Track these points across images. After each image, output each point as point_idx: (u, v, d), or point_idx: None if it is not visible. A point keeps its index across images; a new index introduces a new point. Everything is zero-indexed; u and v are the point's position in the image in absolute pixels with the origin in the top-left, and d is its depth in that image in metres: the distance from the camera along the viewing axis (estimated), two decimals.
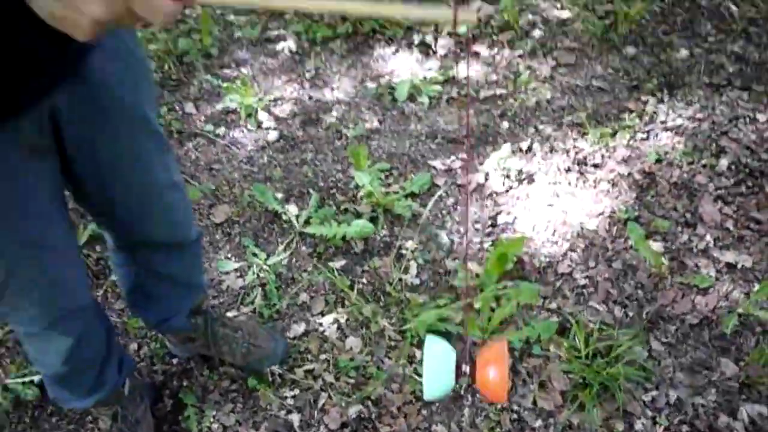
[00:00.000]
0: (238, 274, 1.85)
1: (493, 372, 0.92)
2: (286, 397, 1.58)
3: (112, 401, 1.45)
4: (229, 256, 1.89)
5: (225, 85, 2.36)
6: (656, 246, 1.77)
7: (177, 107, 2.33)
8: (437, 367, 0.94)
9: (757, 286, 1.64)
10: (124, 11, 0.57)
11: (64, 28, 0.60)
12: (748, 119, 2.10)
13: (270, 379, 1.60)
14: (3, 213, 0.94)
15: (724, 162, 1.96)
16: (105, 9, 0.57)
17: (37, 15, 0.64)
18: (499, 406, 1.52)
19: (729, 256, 1.74)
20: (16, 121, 0.84)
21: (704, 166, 1.96)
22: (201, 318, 1.55)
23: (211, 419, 1.55)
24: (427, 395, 0.96)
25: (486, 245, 1.82)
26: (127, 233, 1.27)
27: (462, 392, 1.54)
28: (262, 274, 1.82)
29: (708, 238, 1.79)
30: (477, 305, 1.66)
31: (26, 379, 1.66)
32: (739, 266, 1.72)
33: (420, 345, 1.63)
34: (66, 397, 1.40)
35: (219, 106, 2.34)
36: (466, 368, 0.94)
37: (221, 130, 2.25)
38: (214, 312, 1.62)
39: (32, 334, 1.18)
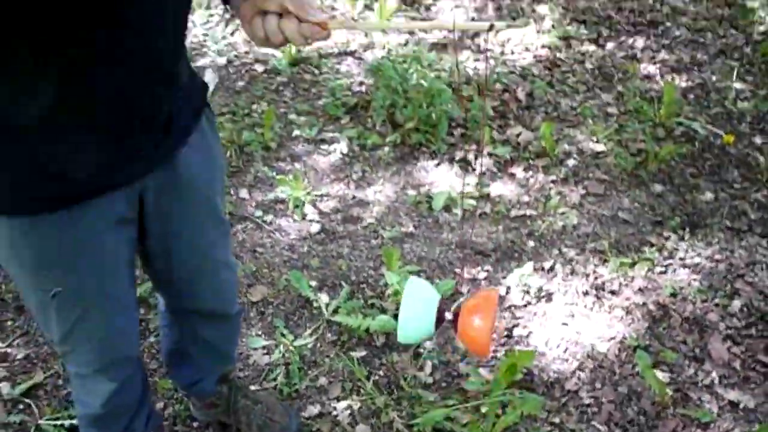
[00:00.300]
0: (265, 351, 1.98)
1: (478, 321, 0.88)
2: None
3: None
4: (260, 333, 2.03)
5: (279, 177, 2.58)
6: (662, 376, 1.85)
7: (232, 192, 2.55)
8: (417, 308, 0.90)
9: (757, 427, 1.70)
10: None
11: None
12: (765, 265, 2.19)
13: None
14: (86, 270, 1.12)
15: (737, 303, 2.05)
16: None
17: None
18: None
19: (733, 395, 1.80)
20: (112, 195, 1.03)
21: (717, 305, 2.06)
22: (226, 386, 1.69)
23: None
24: (401, 338, 0.92)
25: (499, 354, 1.92)
26: (180, 300, 1.43)
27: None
28: (287, 354, 1.95)
29: (714, 374, 1.86)
30: (483, 409, 1.74)
31: (59, 422, 1.80)
32: (741, 406, 1.78)
33: None
34: None
35: (270, 195, 2.55)
36: (449, 315, 0.92)
37: (269, 217, 2.45)
38: (239, 383, 1.75)
39: (83, 375, 1.32)
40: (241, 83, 3.21)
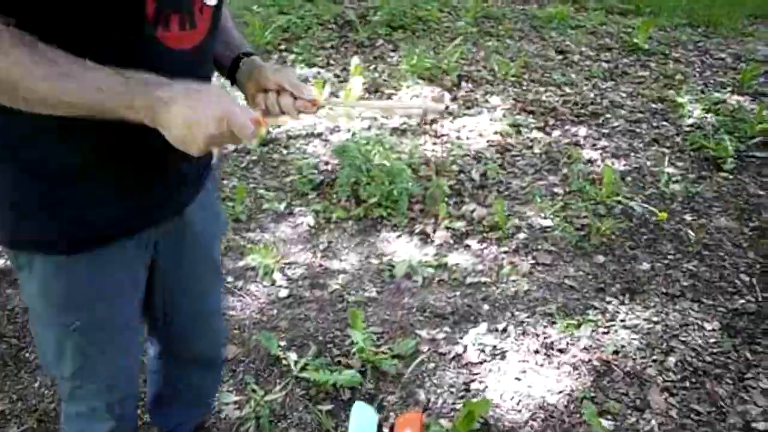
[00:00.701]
0: (237, 406, 2.07)
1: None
2: None
3: None
4: (231, 389, 2.13)
5: (249, 246, 2.73)
6: (607, 424, 2.00)
7: None
8: (361, 426, 1.15)
9: None
10: (227, 130, 0.94)
11: (184, 145, 0.95)
12: (696, 326, 2.41)
13: None
14: (106, 307, 1.24)
15: (672, 359, 2.25)
16: (216, 127, 0.93)
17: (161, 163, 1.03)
18: None
19: None
20: (134, 239, 1.18)
21: (655, 360, 2.25)
22: None
23: None
24: None
25: (458, 406, 2.05)
26: (175, 344, 1.55)
27: None
28: (257, 408, 2.05)
29: (653, 422, 2.02)
30: None
31: None
32: None
33: None
34: None
35: (240, 263, 2.69)
36: (386, 430, 1.16)
37: (240, 283, 2.58)
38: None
39: (85, 414, 1.38)
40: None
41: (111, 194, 1.13)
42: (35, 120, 0.97)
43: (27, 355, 2.27)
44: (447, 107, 1.12)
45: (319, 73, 4.32)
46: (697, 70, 4.66)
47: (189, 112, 0.93)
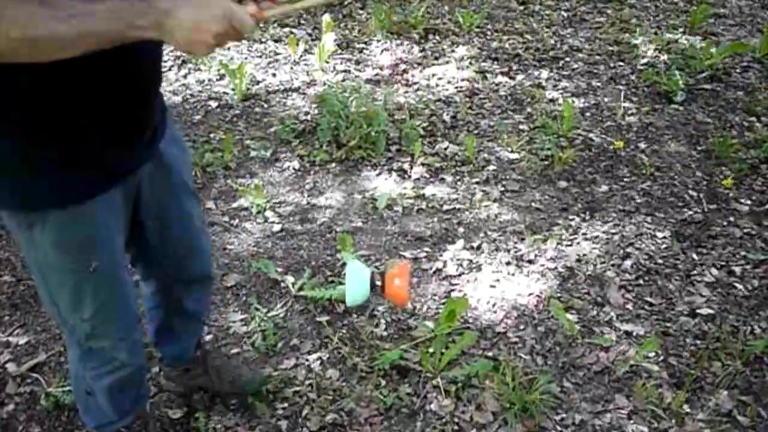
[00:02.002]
0: (243, 323, 2.31)
1: (398, 281, 1.35)
2: (277, 408, 1.99)
3: (141, 419, 1.81)
4: (236, 310, 2.37)
5: (241, 188, 2.95)
6: (572, 317, 2.28)
7: None
8: (356, 280, 1.36)
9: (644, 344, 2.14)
10: (230, 27, 1.05)
11: (192, 48, 1.07)
12: (649, 235, 2.69)
13: (265, 395, 2.02)
14: (114, 245, 1.41)
15: (628, 263, 2.53)
16: (220, 25, 1.04)
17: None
18: (444, 421, 1.94)
19: (627, 327, 2.25)
20: (123, 184, 1.37)
21: (613, 265, 2.53)
22: (200, 351, 1.98)
23: (216, 422, 1.95)
24: (349, 302, 1.39)
25: (440, 310, 2.31)
26: (172, 271, 1.70)
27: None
28: (262, 324, 2.29)
29: (612, 314, 2.31)
30: (431, 349, 2.13)
31: (66, 389, 2.07)
32: (634, 334, 2.23)
33: (385, 376, 2.08)
34: (109, 419, 1.72)
35: (234, 204, 2.91)
36: (377, 281, 1.38)
37: (235, 222, 2.80)
38: (208, 347, 2.05)
39: (105, 348, 1.54)
40: (197, 117, 3.58)
41: (113, 143, 1.31)
42: (33, 79, 1.11)
43: None
44: None
45: (292, 32, 4.48)
46: (651, 14, 4.91)
47: (192, 16, 1.03)
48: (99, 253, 1.38)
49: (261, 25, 1.13)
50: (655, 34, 4.52)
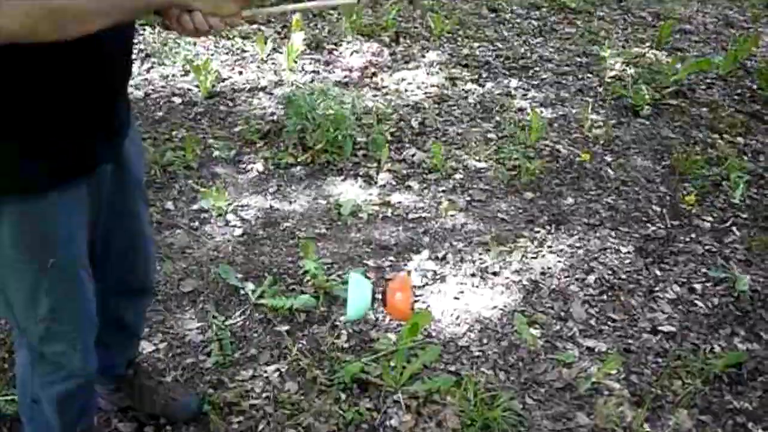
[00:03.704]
0: (199, 331, 2.24)
1: (399, 295, 1.32)
2: (232, 423, 1.93)
3: (89, 430, 1.71)
4: (193, 317, 2.29)
5: (202, 190, 2.87)
6: (535, 332, 2.26)
7: (158, 204, 2.80)
8: (358, 293, 1.33)
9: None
10: None
11: (219, 7, 1.09)
12: (613, 250, 2.69)
13: (220, 407, 1.95)
14: (75, 242, 1.34)
15: (592, 278, 2.52)
16: None
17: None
18: None
19: (589, 343, 2.24)
20: (87, 180, 1.32)
21: (577, 279, 2.52)
22: (132, 370, 1.88)
23: None
24: (350, 315, 1.36)
25: (403, 323, 2.27)
26: (111, 277, 1.59)
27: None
28: (219, 333, 2.22)
29: (575, 329, 2.30)
30: (392, 362, 2.08)
31: (8, 398, 1.97)
32: (596, 350, 2.22)
33: (345, 390, 2.03)
34: (54, 430, 1.60)
35: (194, 206, 2.82)
36: (379, 295, 1.35)
37: (195, 224, 2.72)
38: (142, 366, 1.95)
39: (59, 353, 1.44)
40: (159, 113, 3.49)
41: (77, 136, 1.26)
42: (4, 69, 1.08)
43: None
44: (359, 1, 1.24)
45: (260, 29, 4.40)
46: (620, 27, 4.96)
47: None
48: (59, 249, 1.33)
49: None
50: (623, 47, 4.56)
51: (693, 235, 2.81)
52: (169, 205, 2.82)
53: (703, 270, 2.62)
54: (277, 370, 2.10)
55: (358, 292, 1.32)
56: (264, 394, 2.01)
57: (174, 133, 3.32)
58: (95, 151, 1.33)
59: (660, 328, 2.33)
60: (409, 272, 1.60)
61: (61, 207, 1.30)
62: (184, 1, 1.08)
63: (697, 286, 2.54)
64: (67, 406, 1.58)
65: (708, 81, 4.13)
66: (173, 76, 3.84)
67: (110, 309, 1.66)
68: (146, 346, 2.13)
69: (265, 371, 2.09)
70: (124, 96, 1.42)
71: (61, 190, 1.28)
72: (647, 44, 4.61)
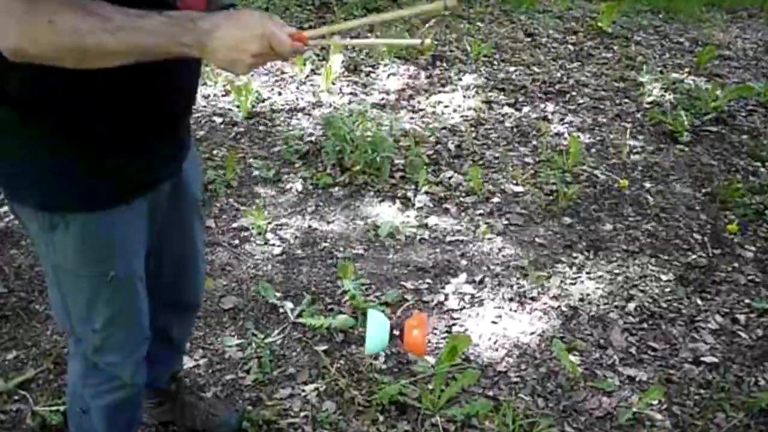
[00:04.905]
0: (239, 348, 2.26)
1: (416, 332, 1.35)
2: None
3: None
4: (233, 334, 2.31)
5: (243, 208, 2.91)
6: (574, 359, 2.24)
7: None
8: (376, 329, 1.37)
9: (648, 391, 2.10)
10: (268, 48, 1.09)
11: (232, 67, 1.11)
12: (653, 278, 2.66)
13: (259, 425, 1.96)
14: (133, 256, 1.38)
15: (632, 305, 2.50)
16: (259, 45, 1.08)
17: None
18: None
19: (630, 371, 2.21)
20: (148, 197, 1.36)
21: (616, 306, 2.49)
22: (175, 384, 1.90)
23: None
24: (368, 350, 1.41)
25: (441, 345, 2.27)
26: (162, 293, 1.64)
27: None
28: (258, 350, 2.24)
29: (615, 357, 2.27)
30: (431, 385, 2.08)
31: (53, 408, 2.01)
32: (637, 379, 2.19)
33: (383, 411, 2.03)
34: None
35: (235, 225, 2.86)
36: (396, 332, 1.38)
37: (235, 242, 2.76)
38: (184, 381, 1.97)
39: (112, 363, 1.48)
40: (201, 132, 3.55)
41: (142, 155, 1.30)
42: (72, 85, 1.13)
43: (37, 307, 2.42)
44: (422, 42, 1.25)
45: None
46: (657, 52, 4.93)
47: (232, 36, 1.08)
48: (118, 262, 1.36)
49: (304, 47, 1.16)
50: (661, 73, 4.53)
51: (735, 265, 2.77)
52: (210, 222, 2.86)
53: (746, 300, 2.58)
54: (316, 389, 2.11)
55: (376, 328, 1.39)
56: (302, 413, 2.02)
57: (215, 152, 3.37)
58: (160, 169, 1.37)
59: (702, 358, 2.29)
60: (426, 312, 1.65)
61: (122, 222, 1.34)
62: (201, 54, 1.10)
63: (740, 317, 2.49)
64: (116, 417, 1.60)
65: (749, 108, 4.08)
66: (214, 96, 3.91)
67: (158, 322, 1.68)
68: (187, 362, 2.16)
69: (304, 390, 2.10)
70: (188, 118, 1.46)
71: (123, 206, 1.32)
72: (686, 70, 4.58)
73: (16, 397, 2.07)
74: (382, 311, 2.38)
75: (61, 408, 1.98)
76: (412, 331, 1.33)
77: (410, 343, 1.36)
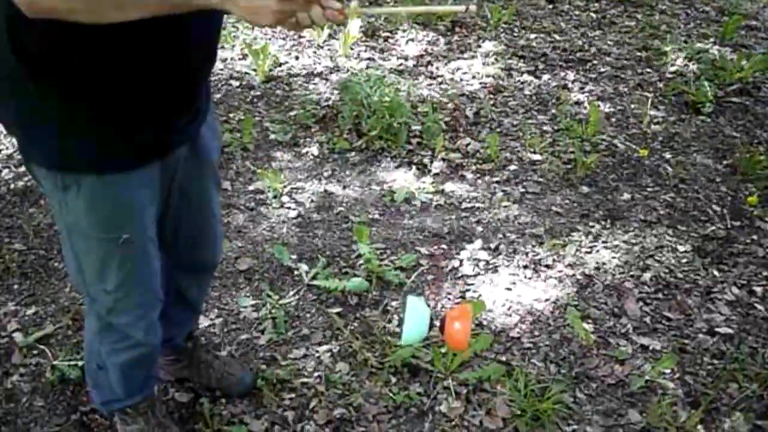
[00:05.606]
0: (254, 308, 2.28)
1: (458, 325, 1.30)
2: (284, 399, 1.96)
3: (149, 401, 1.74)
4: (248, 295, 2.33)
5: (258, 171, 2.91)
6: (588, 327, 2.24)
7: None
8: (415, 318, 1.33)
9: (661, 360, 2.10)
10: None
11: (256, 17, 1.05)
12: (670, 248, 2.64)
13: (274, 384, 1.99)
14: (145, 219, 1.38)
15: (647, 275, 2.48)
16: None
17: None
18: (453, 423, 1.91)
19: (644, 340, 2.21)
20: (162, 161, 1.35)
21: (632, 276, 2.48)
22: (191, 342, 1.92)
23: (222, 408, 1.92)
24: (405, 340, 1.34)
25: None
26: (181, 254, 1.66)
27: (425, 408, 1.94)
28: (273, 311, 2.26)
29: (629, 326, 2.26)
30: (443, 349, 2.09)
31: (72, 363, 2.04)
32: (650, 348, 2.18)
33: (396, 374, 2.05)
34: (117, 396, 1.67)
35: (251, 187, 2.87)
36: (437, 322, 1.35)
37: (251, 204, 2.77)
38: (201, 340, 2.00)
39: (126, 324, 1.50)
40: (217, 96, 3.54)
41: (156, 120, 1.29)
42: (88, 43, 1.11)
43: (56, 264, 2.45)
44: (467, 8, 1.18)
45: None
46: (682, 21, 4.83)
47: None
48: (130, 226, 1.37)
49: (343, 18, 1.10)
50: (685, 42, 4.44)
51: (754, 237, 2.74)
52: (227, 185, 2.87)
53: (764, 273, 2.55)
54: (329, 350, 2.13)
55: (415, 316, 1.29)
56: (316, 374, 2.04)
57: (231, 115, 3.37)
58: (174, 134, 1.36)
59: (717, 329, 2.28)
60: (470, 302, 1.53)
61: (134, 185, 1.34)
62: (222, 3, 1.05)
63: (757, 289, 2.47)
64: (131, 373, 1.63)
65: None
66: (231, 59, 3.89)
67: (176, 284, 1.71)
68: (203, 321, 2.18)
69: (317, 351, 2.12)
70: (206, 82, 1.44)
71: (137, 170, 1.32)
72: (711, 40, 4.48)
73: (35, 352, 2.11)
74: (400, 280, 2.38)
75: (80, 363, 2.01)
76: (453, 324, 1.25)
77: (451, 337, 1.27)
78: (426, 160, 3.09)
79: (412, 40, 4.21)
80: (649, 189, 3.00)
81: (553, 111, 3.57)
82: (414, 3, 4.34)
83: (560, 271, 2.49)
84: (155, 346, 1.62)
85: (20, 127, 1.28)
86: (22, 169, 2.84)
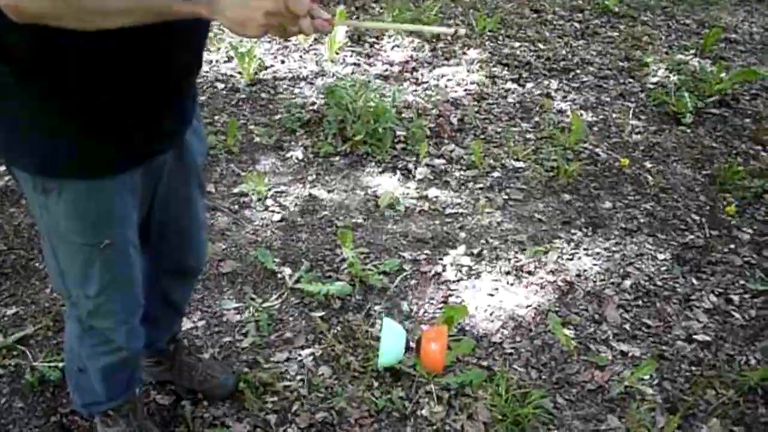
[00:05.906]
0: (237, 311, 2.28)
1: (434, 345, 1.30)
2: (266, 402, 1.96)
3: (131, 403, 1.73)
4: (231, 298, 2.33)
5: (243, 174, 2.91)
6: (569, 333, 2.26)
7: None
8: (391, 340, 1.32)
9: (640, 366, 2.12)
10: (284, 7, 1.01)
11: (243, 27, 1.04)
12: (650, 257, 2.68)
13: (255, 387, 1.99)
14: (127, 225, 1.37)
15: (627, 282, 2.51)
16: (273, 2, 1.01)
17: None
18: (435, 428, 1.92)
19: (623, 347, 2.24)
20: (146, 166, 1.35)
21: (612, 283, 2.51)
22: (173, 345, 1.92)
23: (203, 411, 1.92)
24: (381, 362, 1.35)
25: (437, 315, 2.29)
26: (164, 259, 1.65)
27: (407, 411, 1.95)
28: (256, 314, 2.25)
29: (609, 333, 2.29)
30: None
31: (52, 364, 2.03)
32: (630, 354, 2.21)
33: (378, 378, 2.05)
34: (98, 399, 1.66)
35: (235, 190, 2.87)
36: (412, 344, 1.34)
37: (235, 207, 2.76)
38: (183, 343, 1.99)
39: (106, 329, 1.50)
40: (202, 98, 3.53)
41: (140, 125, 1.28)
42: (73, 47, 1.10)
43: (36, 264, 2.43)
44: (456, 32, 1.19)
45: None
46: (664, 33, 4.90)
47: None
48: (111, 231, 1.36)
49: (329, 27, 1.10)
50: (666, 53, 4.51)
51: (732, 246, 2.78)
52: (211, 187, 2.86)
53: (741, 281, 2.59)
54: (312, 354, 2.13)
55: (391, 338, 1.30)
56: (298, 377, 2.04)
57: (216, 117, 3.36)
58: (159, 139, 1.35)
59: (695, 336, 2.31)
60: (445, 326, 1.55)
61: (115, 191, 1.33)
62: (210, 13, 1.04)
63: (734, 297, 2.51)
64: (113, 377, 1.62)
65: (753, 92, 4.07)
66: (217, 62, 3.89)
67: (160, 288, 1.70)
68: (186, 324, 2.18)
69: (300, 354, 2.13)
70: (193, 88, 1.44)
71: (119, 176, 1.31)
72: (691, 51, 4.56)
73: (15, 353, 2.09)
74: (383, 284, 2.40)
75: (60, 365, 2.00)
76: (430, 345, 1.25)
77: (427, 358, 1.26)
78: (410, 166, 3.11)
79: (398, 46, 4.24)
80: (630, 197, 3.05)
81: (537, 119, 3.60)
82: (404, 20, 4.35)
83: (542, 278, 2.51)
84: (137, 350, 1.61)
85: (2, 130, 1.27)
86: (2, 168, 2.82)
